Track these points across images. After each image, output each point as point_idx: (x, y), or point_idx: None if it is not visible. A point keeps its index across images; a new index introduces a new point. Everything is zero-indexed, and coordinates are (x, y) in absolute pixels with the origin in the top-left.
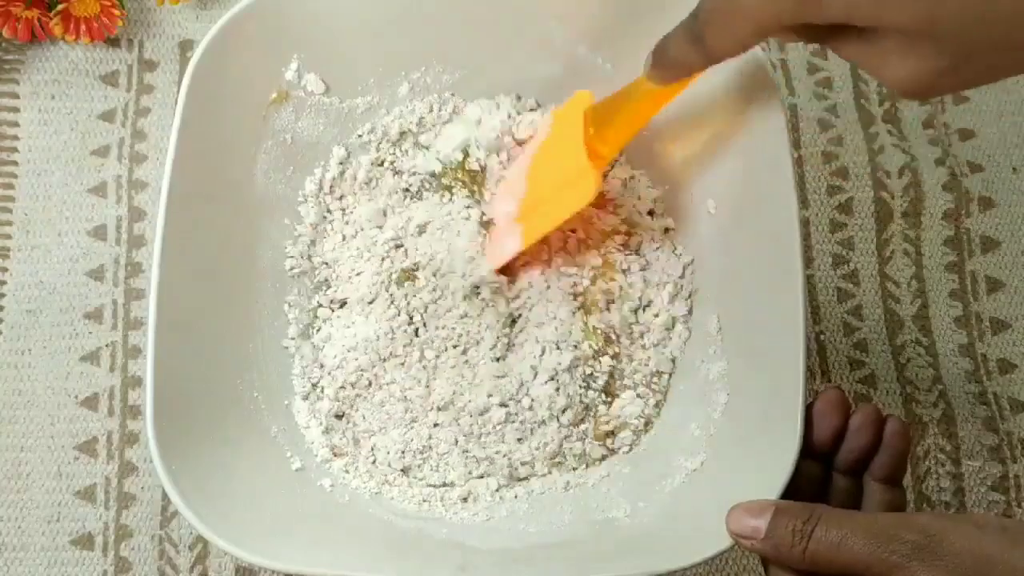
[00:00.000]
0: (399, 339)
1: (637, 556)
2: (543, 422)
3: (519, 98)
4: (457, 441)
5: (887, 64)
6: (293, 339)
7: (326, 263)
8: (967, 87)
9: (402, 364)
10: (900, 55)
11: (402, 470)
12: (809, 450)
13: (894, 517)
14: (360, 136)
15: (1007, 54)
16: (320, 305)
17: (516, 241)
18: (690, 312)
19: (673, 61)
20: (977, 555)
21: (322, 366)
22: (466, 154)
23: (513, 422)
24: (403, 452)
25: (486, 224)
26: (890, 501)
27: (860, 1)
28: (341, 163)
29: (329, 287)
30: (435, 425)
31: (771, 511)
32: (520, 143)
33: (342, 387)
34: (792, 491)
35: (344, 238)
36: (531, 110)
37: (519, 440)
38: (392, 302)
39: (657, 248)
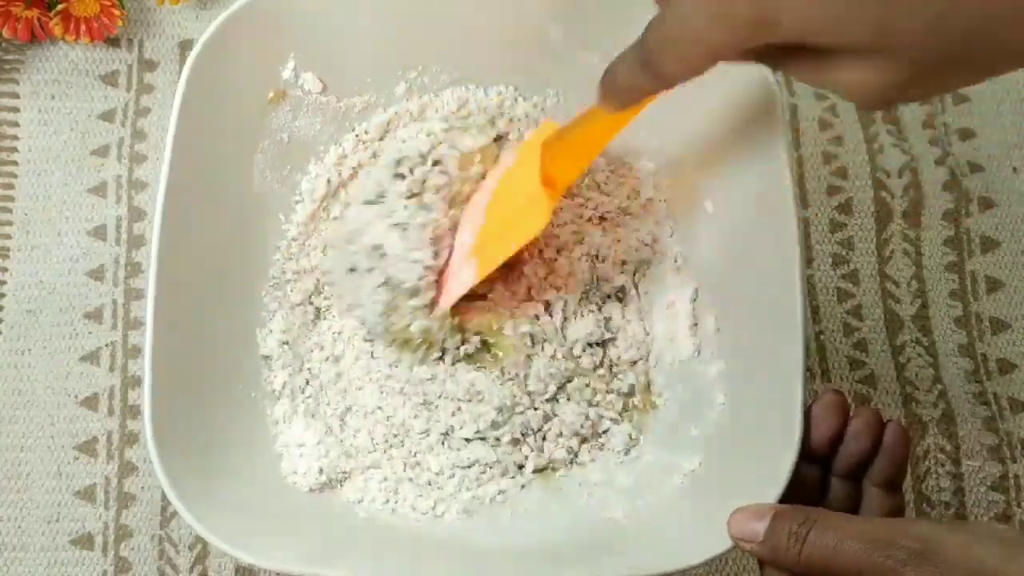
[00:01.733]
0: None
1: (636, 557)
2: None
3: (516, 88)
4: (443, 471)
5: (843, 80)
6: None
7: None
8: (923, 98)
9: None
10: (855, 71)
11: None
12: (807, 453)
13: (891, 522)
14: (357, 135)
15: (960, 68)
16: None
17: (471, 274)
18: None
19: (623, 87)
20: (972, 565)
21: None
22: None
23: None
24: (394, 470)
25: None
26: (889, 507)
27: (814, 22)
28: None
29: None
30: (416, 454)
31: (771, 514)
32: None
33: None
34: (790, 494)
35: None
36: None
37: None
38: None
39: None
